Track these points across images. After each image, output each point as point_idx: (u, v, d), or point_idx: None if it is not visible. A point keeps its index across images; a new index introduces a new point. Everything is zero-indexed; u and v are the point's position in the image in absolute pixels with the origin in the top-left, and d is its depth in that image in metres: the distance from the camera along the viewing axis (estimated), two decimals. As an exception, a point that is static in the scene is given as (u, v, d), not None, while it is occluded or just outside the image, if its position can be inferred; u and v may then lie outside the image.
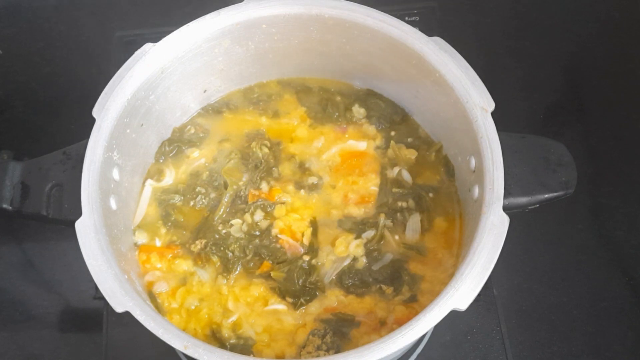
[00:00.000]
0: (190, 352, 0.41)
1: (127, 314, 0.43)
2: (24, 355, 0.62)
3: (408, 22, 0.54)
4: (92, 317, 0.63)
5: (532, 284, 0.65)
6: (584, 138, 0.68)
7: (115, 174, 0.51)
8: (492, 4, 0.80)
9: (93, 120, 0.50)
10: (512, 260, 0.63)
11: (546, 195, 0.50)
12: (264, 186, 0.57)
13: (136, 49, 0.53)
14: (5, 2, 0.78)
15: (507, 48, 0.78)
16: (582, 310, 0.64)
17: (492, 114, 0.50)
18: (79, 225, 0.46)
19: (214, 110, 0.62)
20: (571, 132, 0.52)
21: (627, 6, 0.77)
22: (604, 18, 0.79)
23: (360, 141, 0.60)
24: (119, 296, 0.43)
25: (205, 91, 0.60)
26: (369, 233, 0.55)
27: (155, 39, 0.54)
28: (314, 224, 0.56)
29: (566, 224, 0.68)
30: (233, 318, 0.52)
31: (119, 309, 0.43)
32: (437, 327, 0.44)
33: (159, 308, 0.52)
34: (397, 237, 0.55)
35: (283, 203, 0.56)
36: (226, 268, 0.54)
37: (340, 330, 0.51)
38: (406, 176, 0.58)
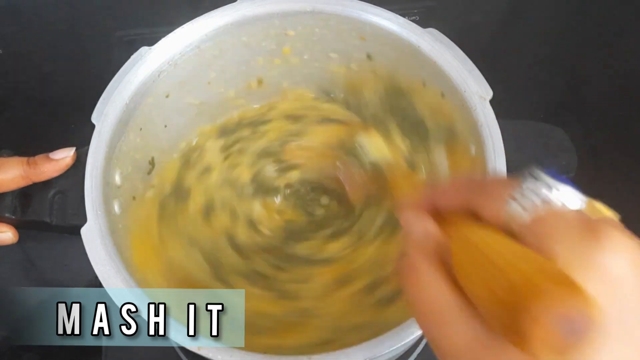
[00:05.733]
0: (204, 353, 0.41)
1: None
2: (24, 354, 0.62)
3: (407, 23, 0.54)
4: (92, 317, 0.63)
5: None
6: (584, 138, 0.68)
7: (117, 178, 0.51)
8: (492, 4, 0.80)
9: (92, 122, 0.50)
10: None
11: (548, 180, 0.50)
12: None
13: (136, 49, 0.53)
14: (5, 2, 0.78)
15: (507, 48, 0.78)
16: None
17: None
18: (84, 231, 0.46)
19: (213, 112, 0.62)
20: (571, 132, 0.52)
21: (627, 6, 0.77)
22: (603, 18, 0.79)
23: None
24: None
25: (203, 92, 0.60)
26: None
27: (156, 39, 0.54)
28: None
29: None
30: None
31: None
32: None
33: None
34: None
35: None
36: None
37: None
38: None
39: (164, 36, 0.54)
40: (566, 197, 0.26)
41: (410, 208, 0.31)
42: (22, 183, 0.49)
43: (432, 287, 0.26)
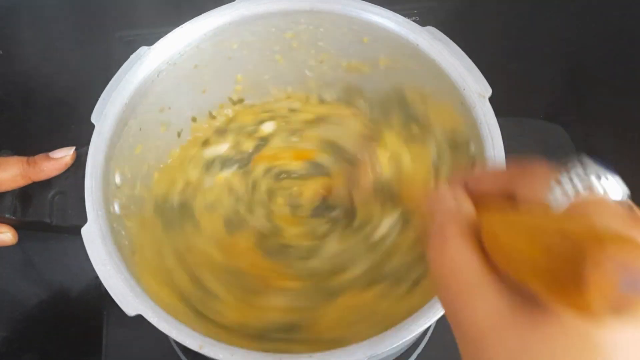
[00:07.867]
0: (205, 352, 0.40)
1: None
2: (24, 355, 0.63)
3: (407, 23, 0.54)
4: (92, 317, 0.63)
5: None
6: (584, 139, 0.68)
7: (117, 178, 0.51)
8: (492, 4, 0.80)
9: (92, 122, 0.50)
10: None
11: (547, 178, 0.50)
12: None
13: (136, 49, 0.53)
14: (5, 2, 0.78)
15: (507, 48, 0.78)
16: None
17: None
18: (85, 231, 0.46)
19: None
20: (571, 132, 0.53)
21: (627, 6, 0.77)
22: (604, 18, 0.79)
23: None
24: (130, 300, 0.43)
25: (203, 93, 0.60)
26: None
27: (156, 39, 0.54)
28: None
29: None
30: None
31: (131, 312, 0.42)
32: (438, 326, 0.44)
33: None
34: None
35: None
36: None
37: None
38: None
39: (163, 36, 0.54)
40: (611, 186, 0.25)
41: (445, 185, 0.29)
42: (21, 182, 0.49)
43: (460, 255, 0.24)
